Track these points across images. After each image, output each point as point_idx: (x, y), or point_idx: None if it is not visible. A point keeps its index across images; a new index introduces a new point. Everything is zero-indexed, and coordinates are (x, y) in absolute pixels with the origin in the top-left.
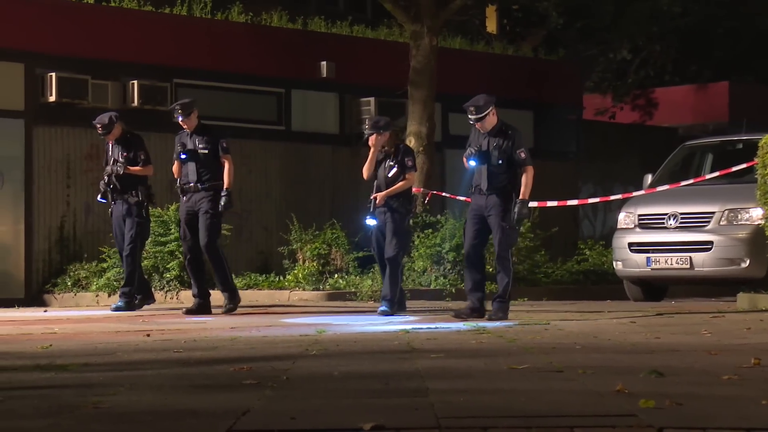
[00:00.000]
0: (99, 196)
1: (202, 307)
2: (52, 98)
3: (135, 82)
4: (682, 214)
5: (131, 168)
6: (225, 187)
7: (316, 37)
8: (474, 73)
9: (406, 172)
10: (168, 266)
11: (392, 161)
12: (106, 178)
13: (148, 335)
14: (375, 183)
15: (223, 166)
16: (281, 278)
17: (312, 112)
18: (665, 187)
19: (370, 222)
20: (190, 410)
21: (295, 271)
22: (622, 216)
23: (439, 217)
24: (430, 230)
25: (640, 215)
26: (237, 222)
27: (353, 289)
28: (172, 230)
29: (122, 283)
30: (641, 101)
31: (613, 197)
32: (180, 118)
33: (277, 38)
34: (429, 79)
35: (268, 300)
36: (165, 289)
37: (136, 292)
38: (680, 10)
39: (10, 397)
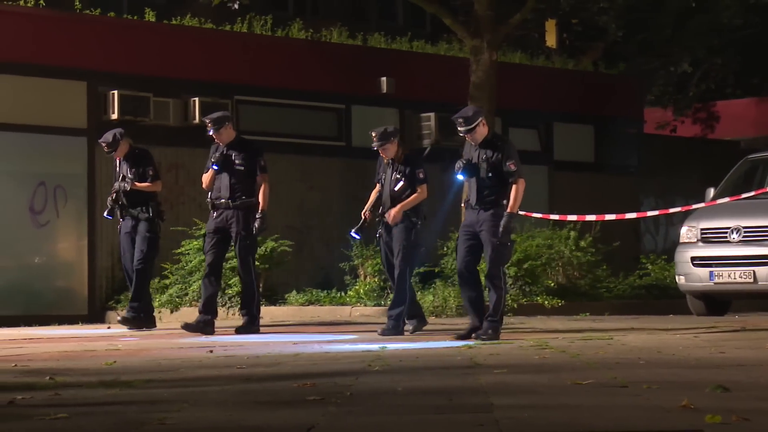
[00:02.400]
0: (105, 213)
1: (207, 324)
2: (115, 116)
3: (196, 99)
4: (745, 227)
5: (139, 184)
6: (261, 208)
7: (375, 52)
8: (534, 88)
9: (417, 184)
10: (229, 282)
11: (399, 173)
12: (114, 194)
13: (211, 351)
14: (378, 194)
15: (259, 185)
16: (342, 294)
17: (372, 128)
18: (726, 199)
19: (355, 236)
20: (255, 426)
21: (357, 287)
22: (684, 230)
23: None
24: None
25: (702, 229)
26: (298, 238)
27: None
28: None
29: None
30: (702, 114)
31: (672, 210)
32: (211, 132)
33: (337, 54)
34: (489, 93)
35: (329, 316)
36: (226, 306)
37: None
38: (741, 22)
39: (76, 413)
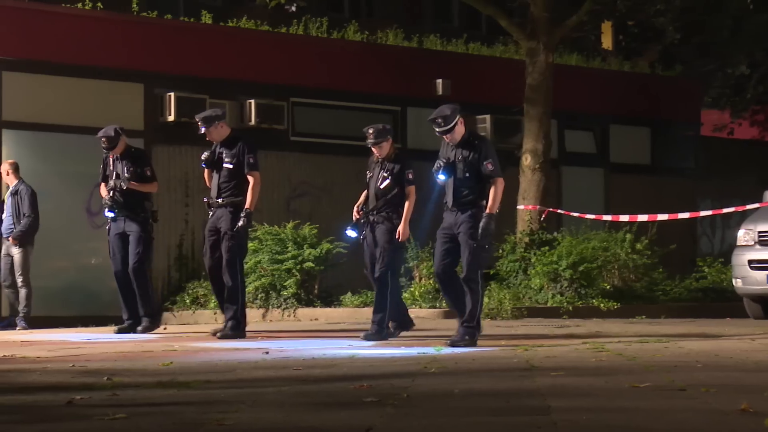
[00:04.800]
0: (106, 210)
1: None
2: (171, 117)
3: (252, 101)
4: None
5: (135, 184)
6: (246, 206)
7: (431, 54)
8: (590, 90)
9: (406, 185)
10: (285, 284)
11: (386, 172)
12: (110, 192)
13: (267, 353)
14: (367, 193)
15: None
16: None
17: (427, 130)
18: None
19: (351, 233)
20: (313, 427)
21: (412, 289)
22: (741, 233)
23: (555, 234)
24: (547, 248)
25: (759, 232)
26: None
27: None
28: (289, 248)
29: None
30: (760, 117)
31: (724, 210)
32: (202, 130)
33: (393, 56)
34: (545, 96)
35: None
36: (282, 307)
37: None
38: None
39: (134, 413)
